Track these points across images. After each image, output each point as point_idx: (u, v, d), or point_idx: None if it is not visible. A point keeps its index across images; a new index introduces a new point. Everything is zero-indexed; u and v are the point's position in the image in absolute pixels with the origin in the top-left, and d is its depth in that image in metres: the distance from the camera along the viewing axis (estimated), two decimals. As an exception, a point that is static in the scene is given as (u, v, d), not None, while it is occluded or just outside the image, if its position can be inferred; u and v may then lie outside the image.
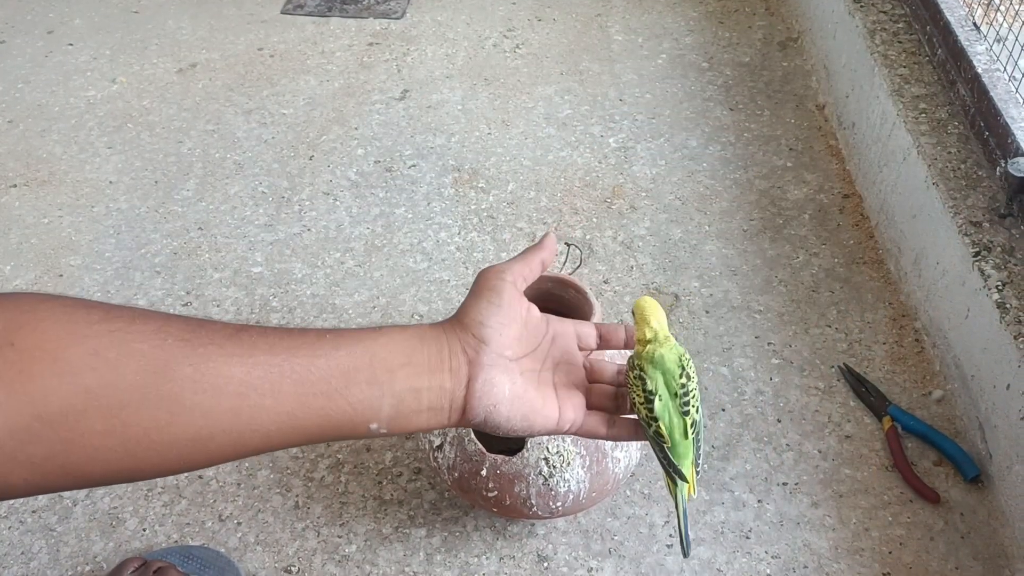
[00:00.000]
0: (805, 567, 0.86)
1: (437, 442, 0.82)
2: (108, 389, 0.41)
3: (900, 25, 1.26)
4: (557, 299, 0.85)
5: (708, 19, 1.60)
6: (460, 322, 0.52)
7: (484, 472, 0.79)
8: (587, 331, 0.57)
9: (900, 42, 1.23)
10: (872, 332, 1.06)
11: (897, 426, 0.95)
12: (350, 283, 1.16)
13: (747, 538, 0.88)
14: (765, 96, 1.41)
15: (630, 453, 0.82)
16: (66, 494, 0.95)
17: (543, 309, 0.86)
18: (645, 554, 0.87)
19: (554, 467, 0.78)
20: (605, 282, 1.14)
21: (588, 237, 1.20)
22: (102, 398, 0.41)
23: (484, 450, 0.79)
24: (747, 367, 1.03)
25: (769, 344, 1.05)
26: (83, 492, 0.95)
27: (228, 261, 1.20)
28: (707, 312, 1.09)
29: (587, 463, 0.79)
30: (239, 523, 0.92)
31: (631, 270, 1.15)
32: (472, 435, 0.79)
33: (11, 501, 0.94)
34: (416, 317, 1.11)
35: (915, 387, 1.00)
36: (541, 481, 0.78)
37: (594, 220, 1.22)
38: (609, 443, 0.79)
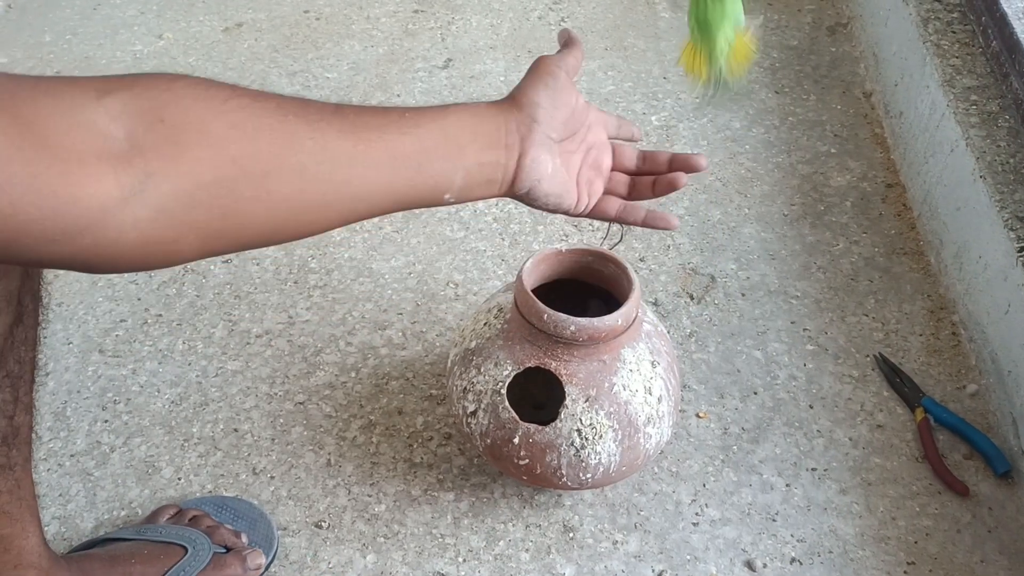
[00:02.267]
0: (830, 552, 0.86)
1: (471, 408, 0.83)
2: (251, 159, 0.45)
3: (954, 15, 1.24)
4: (597, 273, 0.85)
5: (757, 0, 1.58)
6: (517, 102, 0.58)
7: (516, 440, 0.80)
8: (628, 152, 0.67)
9: (953, 32, 1.21)
10: (909, 323, 1.05)
11: (929, 418, 0.95)
12: (387, 248, 1.17)
13: (773, 520, 0.89)
14: (812, 81, 1.39)
15: (662, 430, 0.82)
16: (103, 440, 0.97)
17: (582, 282, 0.87)
18: (670, 531, 0.88)
19: (586, 439, 0.79)
20: (641, 260, 1.14)
21: (626, 214, 1.19)
22: (247, 167, 0.45)
23: (517, 418, 0.80)
24: (781, 352, 1.03)
25: (804, 330, 1.05)
26: (121, 439, 0.97)
27: (268, 221, 1.21)
28: (743, 295, 1.09)
29: (619, 437, 0.79)
30: (272, 477, 0.93)
31: (668, 249, 1.15)
32: (506, 403, 0.80)
33: (49, 444, 0.97)
34: (451, 285, 1.12)
35: (950, 380, 1.00)
36: (573, 452, 0.79)
37: (633, 198, 1.22)
38: (642, 419, 0.79)
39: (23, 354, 0.64)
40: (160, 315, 1.10)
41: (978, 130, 1.05)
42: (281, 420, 0.98)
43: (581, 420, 0.78)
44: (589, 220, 1.18)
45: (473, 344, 0.84)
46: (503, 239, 1.17)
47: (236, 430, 0.98)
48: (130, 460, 0.96)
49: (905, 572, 0.84)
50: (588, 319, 0.77)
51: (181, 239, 0.44)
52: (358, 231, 1.19)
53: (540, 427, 0.79)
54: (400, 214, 1.20)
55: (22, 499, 0.68)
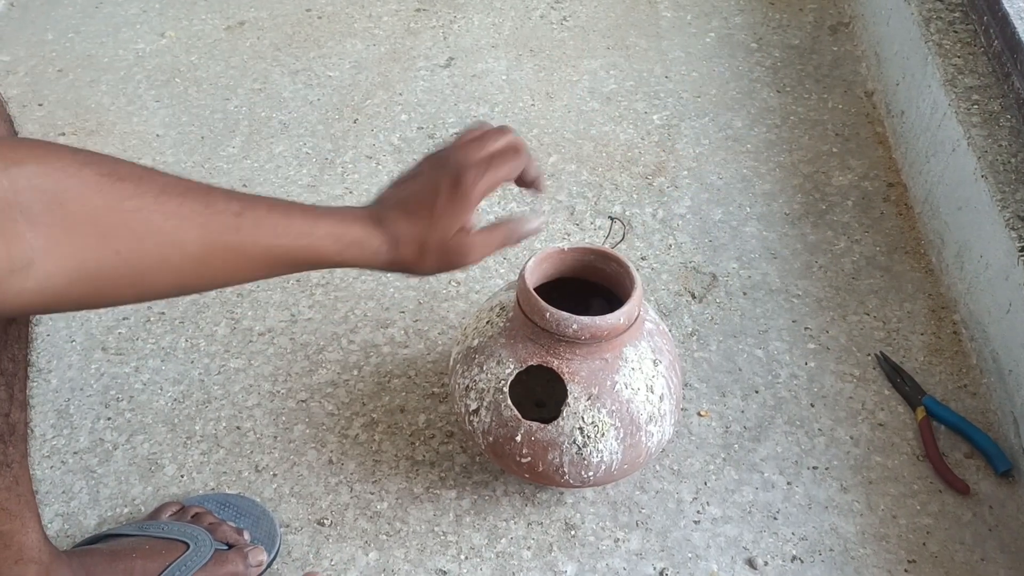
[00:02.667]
0: (831, 550, 0.86)
1: (473, 406, 0.83)
2: (135, 256, 0.50)
3: (956, 14, 1.24)
4: (599, 272, 0.86)
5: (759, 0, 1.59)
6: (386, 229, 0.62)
7: (519, 438, 0.80)
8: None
9: (955, 31, 1.21)
10: (910, 322, 1.05)
11: (930, 417, 0.95)
12: (390, 247, 1.17)
13: (775, 519, 0.89)
14: (813, 80, 1.40)
15: (664, 428, 0.82)
16: (106, 437, 0.97)
17: (585, 281, 0.87)
18: (672, 528, 0.88)
19: (588, 437, 0.79)
20: (643, 259, 1.14)
21: (628, 213, 1.20)
22: (130, 262, 0.50)
23: (520, 416, 0.80)
24: (782, 350, 1.03)
25: (806, 329, 1.05)
26: (123, 437, 0.97)
27: (271, 219, 1.21)
28: (744, 294, 1.09)
29: (621, 435, 0.79)
30: (275, 475, 0.94)
31: (669, 248, 1.15)
32: (508, 401, 0.80)
33: (52, 442, 0.97)
34: (454, 284, 1.12)
35: (951, 379, 1.00)
36: (575, 450, 0.79)
37: (634, 196, 1.22)
38: (644, 417, 0.80)
39: (16, 352, 0.64)
40: (163, 313, 1.10)
41: (979, 129, 1.05)
42: (283, 418, 0.99)
43: (583, 418, 0.79)
44: (592, 219, 1.18)
45: (475, 342, 0.84)
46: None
47: (239, 428, 0.98)
48: (133, 457, 0.96)
49: (906, 570, 0.85)
50: (590, 317, 0.77)
51: (61, 305, 0.50)
52: (360, 229, 1.19)
53: (542, 425, 0.80)
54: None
55: (20, 495, 0.68)
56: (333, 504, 0.91)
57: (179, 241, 0.51)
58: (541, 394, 0.91)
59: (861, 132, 1.31)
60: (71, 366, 1.05)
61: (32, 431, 0.97)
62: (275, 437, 0.97)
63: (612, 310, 0.78)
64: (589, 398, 0.78)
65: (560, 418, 0.79)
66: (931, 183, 1.14)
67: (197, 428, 0.98)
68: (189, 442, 0.97)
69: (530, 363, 0.80)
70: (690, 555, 0.86)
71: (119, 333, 1.08)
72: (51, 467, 0.95)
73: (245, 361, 1.04)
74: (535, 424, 0.80)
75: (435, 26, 1.55)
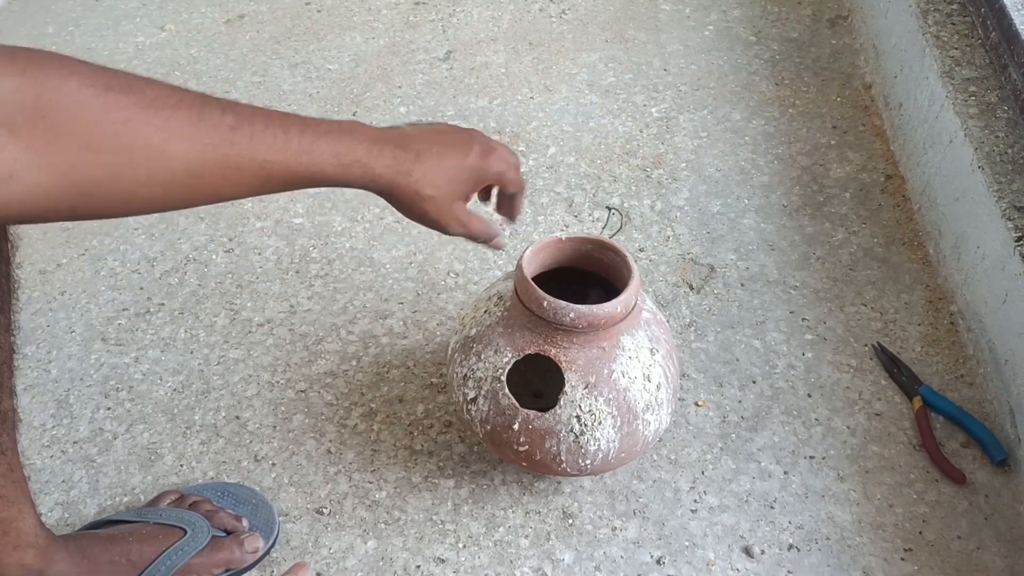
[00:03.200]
0: (828, 539, 0.87)
1: (471, 395, 0.83)
2: (124, 168, 0.49)
3: (954, 6, 1.24)
4: (597, 261, 0.86)
5: (757, -7, 1.59)
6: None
7: (516, 426, 0.81)
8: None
9: (953, 23, 1.21)
10: (908, 313, 1.06)
11: (927, 407, 0.95)
12: (388, 238, 1.17)
13: (771, 508, 0.89)
14: (812, 73, 1.40)
15: (660, 416, 0.83)
16: (106, 427, 0.98)
17: (582, 271, 0.87)
18: (669, 517, 0.89)
19: (585, 425, 0.79)
20: (641, 250, 1.14)
21: (626, 205, 1.20)
22: (119, 176, 0.49)
23: (517, 404, 0.80)
24: (780, 341, 1.03)
25: (803, 320, 1.05)
26: (123, 427, 0.98)
27: (270, 211, 1.21)
28: (742, 285, 1.10)
29: (618, 423, 0.80)
30: (273, 464, 0.94)
31: (667, 240, 1.16)
32: (506, 389, 0.81)
33: (52, 431, 0.97)
34: (452, 275, 1.12)
35: (947, 369, 1.00)
36: (572, 439, 0.80)
37: (633, 188, 1.23)
38: (641, 405, 0.80)
39: (2, 340, 0.64)
40: (162, 304, 1.11)
41: (977, 121, 1.06)
42: (282, 408, 0.99)
43: (580, 407, 0.79)
44: (590, 210, 1.19)
45: (473, 331, 0.85)
46: (503, 228, 1.18)
47: (238, 418, 0.98)
48: (132, 447, 0.96)
49: (902, 559, 0.85)
50: (587, 306, 0.77)
51: (51, 215, 0.49)
52: (359, 221, 1.20)
53: (539, 413, 0.80)
54: (401, 204, 1.21)
55: (16, 482, 0.69)
56: (332, 493, 0.91)
57: (169, 153, 0.50)
58: (539, 384, 0.91)
59: (859, 124, 1.31)
60: (71, 356, 1.05)
61: (32, 421, 0.98)
62: (274, 427, 0.97)
63: (609, 299, 0.79)
64: (586, 386, 0.79)
65: (557, 406, 0.79)
66: (928, 174, 1.14)
67: (196, 418, 0.98)
68: (189, 432, 0.97)
69: (528, 352, 0.80)
70: (687, 544, 0.87)
71: (119, 324, 1.09)
72: (51, 456, 0.96)
73: (244, 351, 1.05)
74: (532, 412, 0.80)
75: (434, 19, 1.55)
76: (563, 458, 0.81)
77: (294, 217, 1.21)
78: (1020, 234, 0.93)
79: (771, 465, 0.92)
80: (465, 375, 0.84)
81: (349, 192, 1.24)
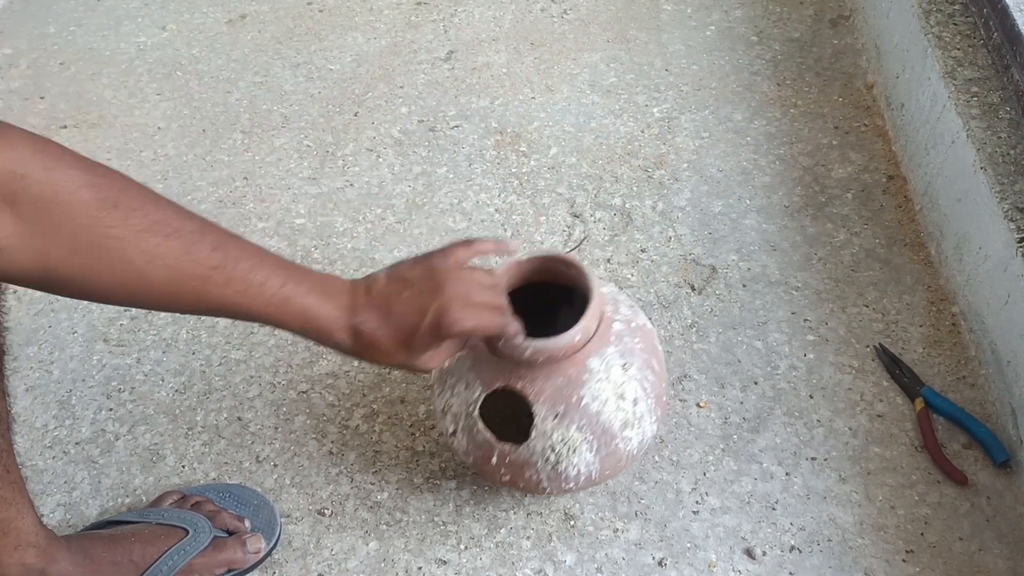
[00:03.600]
0: (829, 540, 0.87)
1: (451, 428, 0.82)
2: (101, 274, 0.54)
3: (956, 7, 1.24)
4: (563, 275, 0.82)
5: (759, -7, 1.59)
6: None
7: (495, 460, 0.80)
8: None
9: (955, 24, 1.21)
10: (909, 314, 1.06)
11: (929, 408, 0.95)
12: (390, 239, 1.17)
13: (773, 509, 0.89)
14: (814, 73, 1.40)
15: (643, 429, 0.81)
16: (108, 428, 0.98)
17: (546, 285, 0.83)
18: (671, 519, 0.89)
19: (560, 454, 0.78)
20: (642, 251, 1.14)
21: (627, 206, 1.20)
22: (94, 279, 0.54)
23: (492, 440, 0.79)
24: (782, 342, 1.03)
25: (805, 321, 1.05)
26: (125, 427, 0.98)
27: (272, 212, 1.22)
28: (744, 286, 1.10)
29: (595, 447, 0.78)
30: (275, 465, 0.94)
31: (669, 240, 1.16)
32: (479, 424, 0.80)
33: (55, 432, 0.97)
34: (454, 276, 1.12)
35: (949, 370, 1.00)
36: (549, 467, 0.78)
37: (634, 189, 1.22)
38: (617, 425, 0.78)
39: None
40: (164, 305, 1.11)
41: (979, 121, 1.05)
42: (284, 409, 0.99)
43: (552, 437, 0.77)
44: (592, 211, 1.19)
45: (447, 363, 0.83)
46: (505, 230, 1.18)
47: (240, 419, 0.98)
48: (134, 448, 0.96)
49: (904, 560, 0.85)
50: (544, 341, 0.74)
51: (19, 283, 0.54)
52: (361, 222, 1.20)
53: (515, 446, 0.79)
54: (403, 205, 1.21)
55: (13, 483, 0.69)
56: (334, 494, 0.91)
57: (146, 275, 0.55)
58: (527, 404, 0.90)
59: (861, 125, 1.31)
60: (73, 357, 1.05)
61: (34, 421, 0.98)
62: (276, 428, 0.97)
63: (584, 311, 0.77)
64: (556, 416, 0.77)
65: (530, 439, 0.78)
66: (930, 175, 1.14)
67: (198, 419, 0.98)
68: (190, 433, 0.97)
69: (495, 386, 0.79)
70: (689, 545, 0.87)
71: (121, 324, 1.09)
72: (53, 457, 0.96)
73: (246, 352, 1.05)
74: (508, 445, 0.79)
75: (436, 19, 1.55)
76: (545, 484, 0.80)
77: (296, 218, 1.21)
78: (1022, 235, 0.92)
79: (773, 466, 0.92)
80: (443, 408, 0.83)
81: (351, 193, 1.24)
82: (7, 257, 0.50)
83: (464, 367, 0.82)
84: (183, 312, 0.60)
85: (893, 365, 1.00)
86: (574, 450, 0.78)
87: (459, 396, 0.81)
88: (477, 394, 0.80)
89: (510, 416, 0.80)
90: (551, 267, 0.82)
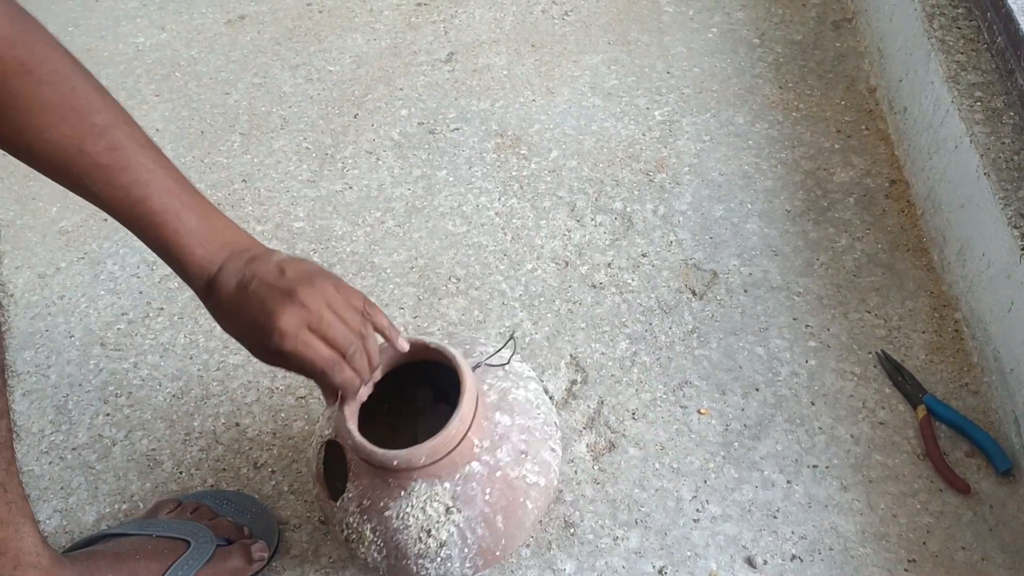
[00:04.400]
0: (831, 549, 0.86)
1: (313, 444, 0.81)
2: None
3: (960, 10, 1.23)
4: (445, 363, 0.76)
5: (761, -5, 1.58)
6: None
7: (315, 491, 0.79)
8: None
9: (959, 28, 1.20)
10: (912, 320, 1.05)
11: (931, 415, 0.94)
12: (389, 243, 1.17)
13: (774, 517, 0.88)
14: (816, 76, 1.39)
15: (447, 570, 0.75)
16: (105, 433, 0.97)
17: (419, 367, 0.78)
18: (671, 527, 0.88)
19: (351, 538, 0.75)
20: (643, 255, 1.14)
21: (628, 209, 1.19)
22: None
23: (318, 474, 0.78)
24: (783, 348, 1.03)
25: (807, 326, 1.05)
26: (122, 433, 0.97)
27: (271, 214, 1.21)
28: (745, 291, 1.09)
29: (383, 553, 0.74)
30: (273, 471, 0.93)
31: (670, 245, 1.15)
32: (318, 459, 0.78)
33: (51, 437, 0.97)
34: (453, 280, 1.12)
35: (952, 377, 0.99)
36: (343, 537, 0.76)
37: (635, 192, 1.22)
38: (413, 552, 0.73)
39: None
40: (162, 308, 1.10)
41: (982, 127, 1.05)
42: (282, 415, 0.98)
43: (349, 520, 0.74)
44: (592, 215, 1.18)
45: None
46: (505, 234, 1.17)
47: (237, 424, 0.98)
48: (131, 454, 0.96)
49: (906, 570, 0.84)
50: (374, 452, 0.70)
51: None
52: (360, 226, 1.19)
53: (330, 501, 0.76)
54: (402, 208, 1.20)
55: (11, 502, 0.67)
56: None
57: (35, 151, 0.57)
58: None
59: (863, 128, 1.30)
60: (70, 361, 1.05)
61: (31, 427, 0.97)
62: (274, 434, 0.97)
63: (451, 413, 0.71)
64: (359, 508, 0.74)
65: (337, 503, 0.75)
66: (933, 180, 1.13)
67: (196, 424, 0.98)
68: (188, 439, 0.97)
69: (328, 436, 0.77)
70: (689, 554, 0.86)
71: (118, 328, 1.08)
72: (50, 463, 0.95)
73: (244, 357, 1.04)
74: (325, 493, 0.77)
75: (436, 20, 1.54)
76: (344, 548, 0.77)
77: (295, 221, 1.20)
78: (1026, 242, 0.92)
79: (774, 474, 0.92)
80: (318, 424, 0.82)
81: (350, 196, 1.23)
82: None
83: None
84: (80, 196, 0.61)
85: (895, 372, 0.99)
86: (363, 544, 0.74)
87: (320, 422, 0.80)
88: (326, 433, 0.77)
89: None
90: (428, 356, 0.76)
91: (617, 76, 1.41)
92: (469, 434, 0.72)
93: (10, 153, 0.59)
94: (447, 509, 0.72)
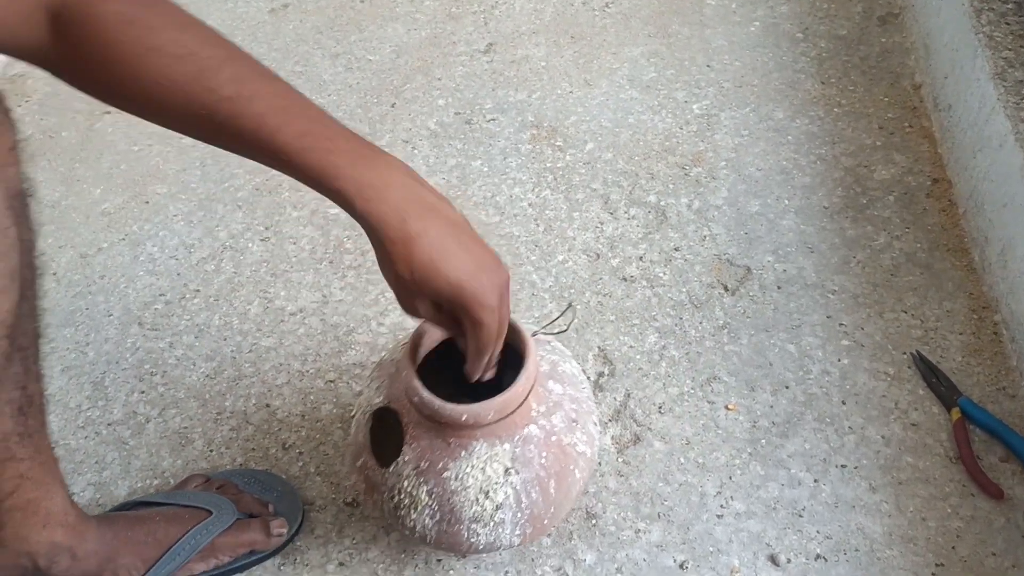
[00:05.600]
0: (856, 550, 0.85)
1: (354, 413, 0.81)
2: (124, 86, 0.57)
3: (1009, 6, 1.20)
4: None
5: (806, -11, 1.55)
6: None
7: (359, 462, 0.78)
8: None
9: (1007, 23, 1.17)
10: (949, 321, 1.03)
11: (965, 419, 0.93)
12: (423, 231, 1.17)
13: (800, 516, 0.88)
14: (859, 72, 1.37)
15: (498, 535, 0.75)
16: (140, 410, 0.99)
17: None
18: (694, 522, 0.88)
19: (402, 503, 0.74)
20: (676, 249, 1.13)
21: (662, 203, 1.18)
22: (116, 89, 0.57)
23: (365, 443, 0.77)
24: (815, 346, 1.01)
25: (841, 325, 1.03)
26: (156, 410, 0.99)
27: (307, 201, 1.22)
28: (779, 288, 1.08)
29: (436, 518, 0.73)
30: (301, 452, 0.95)
31: (704, 240, 1.14)
32: (368, 425, 0.78)
33: (88, 412, 0.99)
34: (485, 269, 1.12)
35: (989, 380, 0.97)
36: (392, 505, 0.75)
37: (670, 186, 1.21)
38: (468, 515, 0.73)
39: (28, 326, 0.66)
40: (198, 290, 1.12)
41: (1029, 125, 1.02)
42: (312, 398, 1.00)
43: (403, 484, 0.74)
44: (626, 208, 1.17)
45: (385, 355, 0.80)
46: (538, 225, 1.17)
47: (268, 405, 0.99)
48: (164, 431, 0.98)
49: (933, 574, 0.83)
50: (443, 407, 0.70)
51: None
52: (394, 213, 1.20)
53: (377, 466, 0.75)
54: (436, 197, 1.21)
55: (43, 463, 0.70)
56: (357, 484, 0.91)
57: (154, 97, 0.56)
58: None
59: (906, 126, 1.28)
60: (108, 339, 1.07)
61: (68, 401, 1.00)
62: (303, 416, 0.98)
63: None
64: (416, 470, 0.73)
65: (388, 470, 0.74)
66: (976, 179, 1.11)
67: (227, 404, 1.00)
68: (219, 418, 0.98)
69: (378, 404, 0.77)
70: (712, 549, 0.86)
71: (155, 309, 1.10)
72: (85, 437, 0.97)
73: (276, 340, 1.06)
74: (372, 459, 0.76)
75: (477, 11, 1.54)
76: (386, 515, 0.77)
77: (330, 207, 1.21)
78: (1069, 244, 0.89)
79: (801, 473, 0.91)
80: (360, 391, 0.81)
81: (385, 183, 1.24)
82: (43, 56, 0.54)
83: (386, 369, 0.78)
84: (205, 141, 0.59)
85: (930, 373, 0.97)
86: (416, 508, 0.73)
87: (365, 393, 0.80)
88: (376, 400, 0.77)
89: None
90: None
91: (656, 69, 1.40)
92: (529, 397, 0.73)
93: (124, 108, 0.58)
94: (506, 470, 0.72)
